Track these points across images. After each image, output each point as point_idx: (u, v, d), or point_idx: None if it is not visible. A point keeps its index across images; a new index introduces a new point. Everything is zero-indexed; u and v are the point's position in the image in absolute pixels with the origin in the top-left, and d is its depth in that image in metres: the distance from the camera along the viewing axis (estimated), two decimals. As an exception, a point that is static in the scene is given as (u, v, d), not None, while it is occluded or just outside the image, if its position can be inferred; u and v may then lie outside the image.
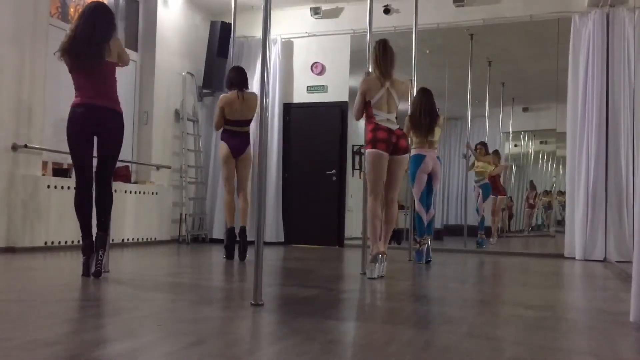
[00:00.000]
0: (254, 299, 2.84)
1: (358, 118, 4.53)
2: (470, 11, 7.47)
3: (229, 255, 5.42)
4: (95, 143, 3.90)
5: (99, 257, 3.76)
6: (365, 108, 4.37)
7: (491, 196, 7.91)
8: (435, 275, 4.80)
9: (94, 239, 3.82)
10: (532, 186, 8.91)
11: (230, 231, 5.43)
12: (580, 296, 3.97)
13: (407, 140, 4.38)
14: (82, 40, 3.77)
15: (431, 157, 5.56)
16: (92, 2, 4.00)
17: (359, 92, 4.41)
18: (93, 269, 3.76)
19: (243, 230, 5.35)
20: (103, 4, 4.05)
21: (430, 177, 5.63)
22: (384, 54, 4.39)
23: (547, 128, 8.25)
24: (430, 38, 7.61)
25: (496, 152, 8.06)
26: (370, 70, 4.61)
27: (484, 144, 7.94)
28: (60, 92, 6.41)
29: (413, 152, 5.52)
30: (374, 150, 4.29)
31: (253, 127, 8.04)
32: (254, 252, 2.92)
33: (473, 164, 7.93)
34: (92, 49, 3.77)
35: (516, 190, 8.93)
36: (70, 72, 3.85)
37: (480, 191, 7.80)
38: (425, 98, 5.56)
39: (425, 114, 5.51)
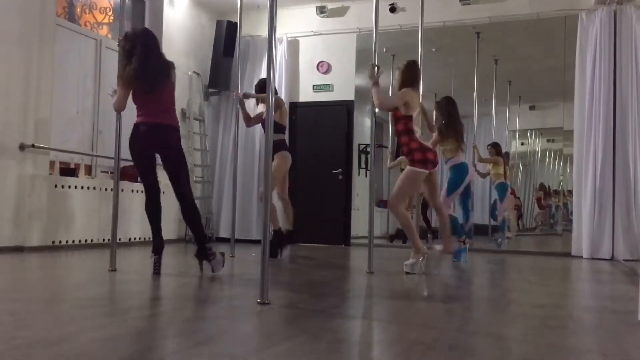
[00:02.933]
0: (261, 297, 2.84)
1: (382, 109, 4.72)
2: (476, 9, 7.44)
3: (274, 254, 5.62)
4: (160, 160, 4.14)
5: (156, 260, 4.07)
6: (405, 122, 4.51)
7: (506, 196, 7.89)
8: (443, 274, 4.80)
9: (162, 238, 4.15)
10: (543, 187, 8.87)
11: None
12: (587, 295, 3.95)
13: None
14: (151, 66, 3.99)
15: (470, 166, 5.83)
16: (138, 28, 4.36)
17: (399, 98, 4.53)
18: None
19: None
20: (149, 30, 4.31)
21: (469, 183, 5.80)
22: (416, 72, 4.66)
23: (554, 126, 8.21)
24: (437, 36, 7.58)
25: (506, 154, 8.00)
26: (376, 62, 4.68)
27: (494, 145, 7.87)
28: (67, 91, 6.44)
29: (454, 161, 5.59)
30: (421, 170, 4.45)
31: (258, 127, 8.09)
32: (260, 251, 2.92)
33: (488, 172, 7.85)
34: (161, 73, 4.04)
35: (523, 189, 8.89)
36: (134, 95, 4.05)
37: (497, 192, 7.73)
38: (455, 107, 5.69)
39: (459, 122, 5.66)
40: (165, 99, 4.08)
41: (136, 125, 4.02)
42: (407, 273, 4.44)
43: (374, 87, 4.58)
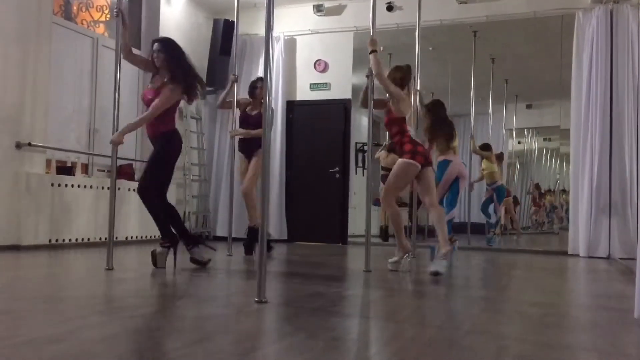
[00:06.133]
0: (258, 296, 2.84)
1: (379, 80, 4.56)
2: (473, 8, 7.44)
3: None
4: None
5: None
6: (399, 124, 4.55)
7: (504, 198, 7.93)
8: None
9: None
10: (538, 187, 8.90)
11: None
12: (584, 293, 3.96)
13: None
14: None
15: (457, 162, 5.87)
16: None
17: (397, 90, 4.53)
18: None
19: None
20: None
21: (457, 180, 5.87)
22: (405, 76, 4.66)
23: (551, 125, 8.24)
24: (434, 35, 7.59)
25: (500, 154, 8.01)
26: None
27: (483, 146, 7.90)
28: (64, 90, 6.43)
29: (439, 158, 5.82)
30: (410, 161, 4.44)
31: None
32: (257, 250, 2.92)
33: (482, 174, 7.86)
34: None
35: (520, 187, 8.91)
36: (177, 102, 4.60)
37: (495, 194, 7.74)
38: (444, 109, 5.84)
39: (446, 123, 5.81)
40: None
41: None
42: (391, 270, 4.48)
43: (374, 55, 4.53)
